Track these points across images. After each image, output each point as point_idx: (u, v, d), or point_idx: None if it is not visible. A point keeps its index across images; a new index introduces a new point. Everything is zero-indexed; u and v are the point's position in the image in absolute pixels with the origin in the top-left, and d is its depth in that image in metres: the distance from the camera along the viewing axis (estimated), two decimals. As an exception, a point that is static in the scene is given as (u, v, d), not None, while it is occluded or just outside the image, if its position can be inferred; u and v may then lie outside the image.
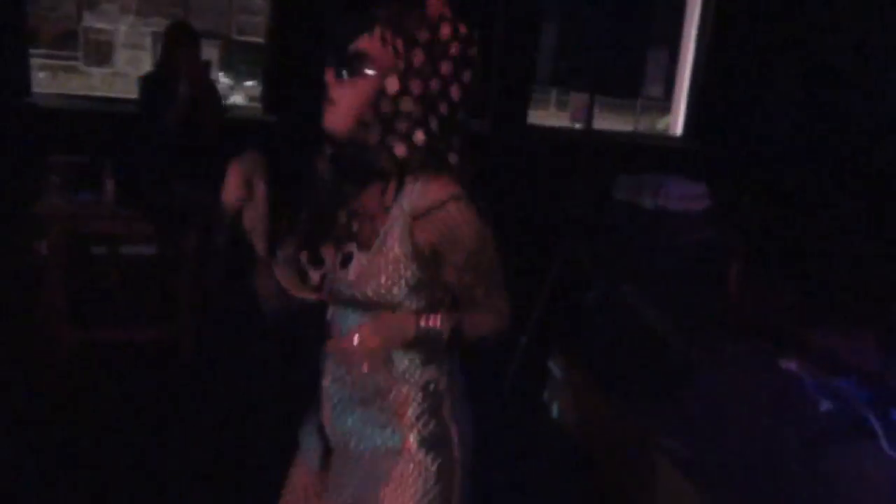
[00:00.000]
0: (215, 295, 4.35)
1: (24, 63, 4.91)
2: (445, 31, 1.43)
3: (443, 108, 1.43)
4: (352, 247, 1.50)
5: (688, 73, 6.81)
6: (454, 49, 1.44)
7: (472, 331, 1.53)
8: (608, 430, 3.20)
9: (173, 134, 4.03)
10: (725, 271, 4.01)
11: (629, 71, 3.70)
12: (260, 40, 5.44)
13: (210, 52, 5.83)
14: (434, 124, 1.43)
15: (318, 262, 1.54)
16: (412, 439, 1.53)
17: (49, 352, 3.75)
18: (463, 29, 1.46)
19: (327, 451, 1.65)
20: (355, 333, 1.47)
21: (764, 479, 2.73)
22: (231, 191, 1.48)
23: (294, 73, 5.31)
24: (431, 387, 1.56)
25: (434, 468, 1.53)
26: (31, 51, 5.11)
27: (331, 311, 1.60)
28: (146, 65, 4.72)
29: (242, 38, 5.63)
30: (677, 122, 6.96)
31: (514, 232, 5.10)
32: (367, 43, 1.44)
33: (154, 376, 3.77)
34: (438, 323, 1.48)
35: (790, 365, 3.72)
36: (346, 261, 1.51)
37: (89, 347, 3.85)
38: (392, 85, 1.42)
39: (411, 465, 1.53)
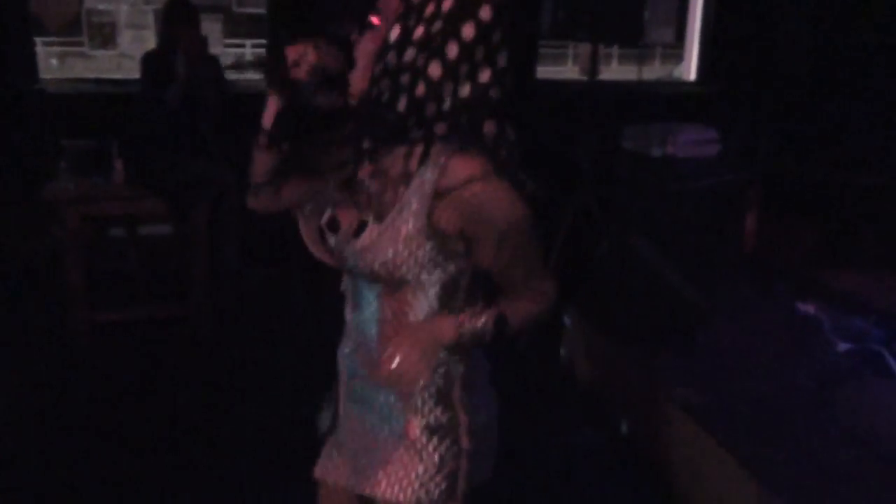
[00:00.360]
0: (231, 271, 4.41)
1: (30, 50, 4.94)
2: None
3: (450, 52, 1.27)
4: (368, 214, 1.40)
5: (699, 15, 6.67)
6: None
7: (518, 320, 1.44)
8: (621, 382, 3.20)
9: (177, 111, 4.05)
10: (740, 216, 3.96)
11: (629, 18, 3.63)
12: (261, 11, 5.41)
13: (213, 25, 5.83)
14: (436, 72, 1.28)
15: (334, 225, 1.45)
16: (415, 425, 1.46)
17: (68, 333, 3.83)
18: None
19: (336, 416, 1.62)
20: (394, 356, 1.41)
21: (778, 421, 2.72)
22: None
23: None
24: (442, 370, 1.46)
25: (436, 456, 1.45)
26: (38, 38, 5.14)
27: (345, 281, 1.53)
28: (150, 44, 4.73)
29: (243, 10, 5.59)
30: (690, 67, 6.84)
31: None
32: None
33: (171, 354, 3.83)
34: (480, 323, 1.40)
35: (808, 308, 3.68)
36: (360, 229, 1.40)
37: (107, 327, 3.92)
38: (394, 32, 1.30)
39: (412, 452, 1.46)
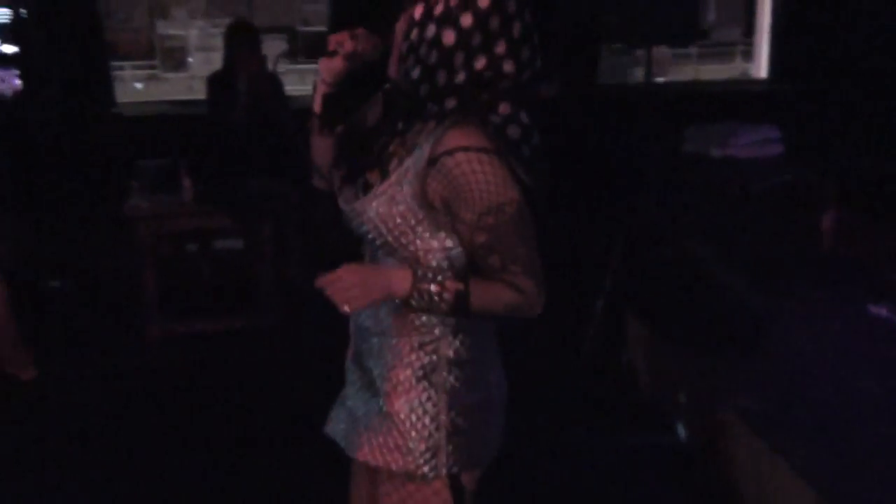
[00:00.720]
0: (299, 283, 4.52)
1: (106, 75, 5.20)
2: None
3: (465, 21, 1.32)
4: (376, 177, 1.42)
5: (768, 12, 6.50)
6: None
7: (485, 302, 1.37)
8: (679, 387, 3.15)
9: (240, 129, 4.19)
10: (810, 215, 3.83)
11: (682, 19, 3.57)
12: (324, 29, 5.56)
13: (278, 45, 6.00)
14: (450, 39, 1.33)
15: (350, 178, 1.49)
16: (395, 399, 1.47)
17: (142, 343, 4.01)
18: None
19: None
20: (340, 275, 1.34)
21: (840, 429, 2.62)
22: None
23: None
24: (430, 348, 1.46)
25: (414, 432, 1.46)
26: (113, 63, 5.40)
27: (364, 249, 1.53)
28: (219, 66, 4.89)
29: (307, 29, 5.74)
30: (760, 65, 6.67)
31: (586, 194, 5.08)
32: None
33: (238, 364, 3.95)
34: (437, 289, 1.33)
35: (880, 310, 3.54)
36: (366, 189, 1.43)
37: (179, 338, 4.08)
38: (418, 10, 1.37)
39: (392, 425, 1.47)
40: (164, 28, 5.58)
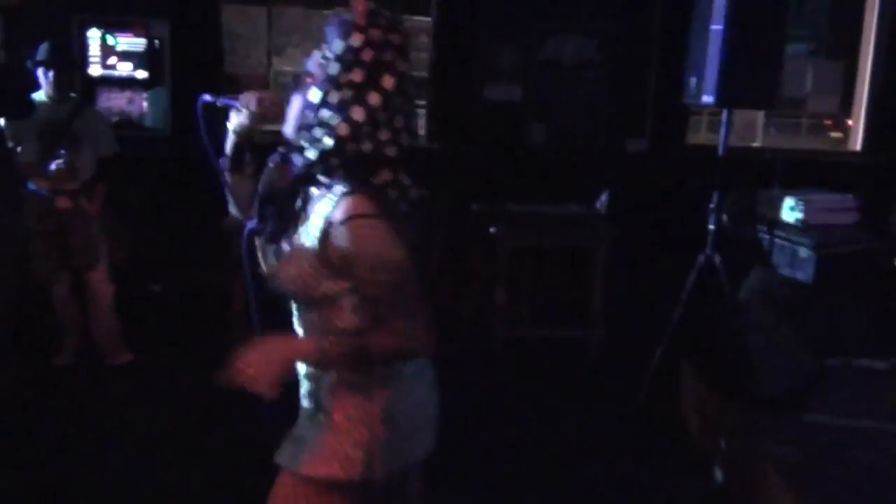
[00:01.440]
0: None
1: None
2: (357, 38, 1.51)
3: (356, 115, 1.50)
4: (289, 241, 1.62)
5: (866, 85, 6.47)
6: (367, 55, 1.50)
7: (379, 351, 1.57)
8: (721, 434, 3.22)
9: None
10: (879, 286, 3.84)
11: (762, 83, 3.68)
12: (424, 74, 5.89)
13: (381, 87, 6.36)
14: (344, 131, 1.50)
15: (272, 241, 1.68)
16: (338, 415, 1.64)
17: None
18: (377, 34, 1.51)
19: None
20: (248, 362, 1.56)
21: (880, 493, 2.65)
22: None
23: (454, 104, 5.72)
24: (357, 381, 1.64)
25: (353, 439, 1.61)
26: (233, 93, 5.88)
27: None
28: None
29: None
30: (857, 137, 6.62)
31: (659, 244, 5.18)
32: (314, 58, 1.59)
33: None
34: (325, 346, 1.56)
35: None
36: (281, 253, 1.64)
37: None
38: (313, 96, 1.54)
39: (336, 435, 1.63)
40: (280, 65, 6.03)
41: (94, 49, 5.27)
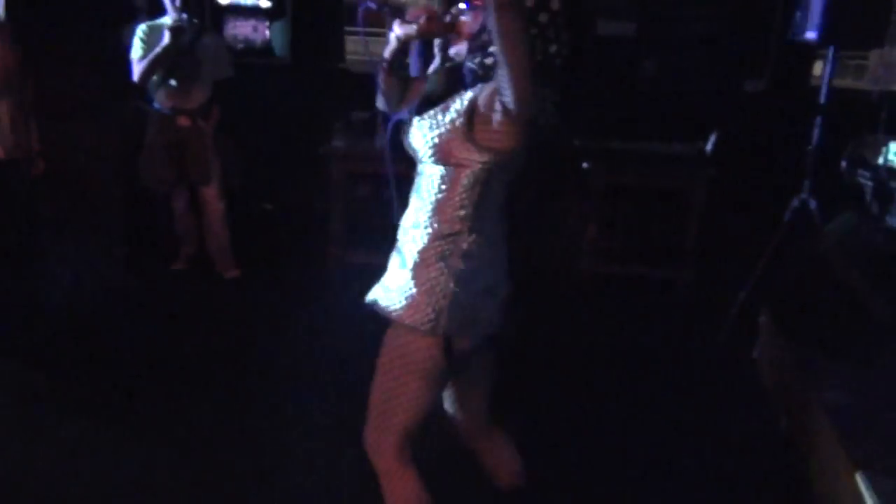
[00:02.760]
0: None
1: (340, 36, 5.88)
2: None
3: (531, 31, 1.75)
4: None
5: None
6: None
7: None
8: (787, 380, 3.18)
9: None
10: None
11: (868, 20, 3.47)
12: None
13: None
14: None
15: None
16: (418, 273, 1.88)
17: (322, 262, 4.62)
18: None
19: None
20: None
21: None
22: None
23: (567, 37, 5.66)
24: (450, 238, 1.86)
25: (425, 298, 1.86)
26: (349, 28, 6.09)
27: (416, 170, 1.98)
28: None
29: None
30: None
31: (766, 187, 5.00)
32: None
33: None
34: None
35: None
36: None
37: (358, 267, 4.65)
38: (489, 18, 1.74)
39: (411, 289, 1.88)
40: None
41: (223, -22, 5.58)
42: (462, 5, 1.89)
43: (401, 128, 2.02)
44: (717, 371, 3.74)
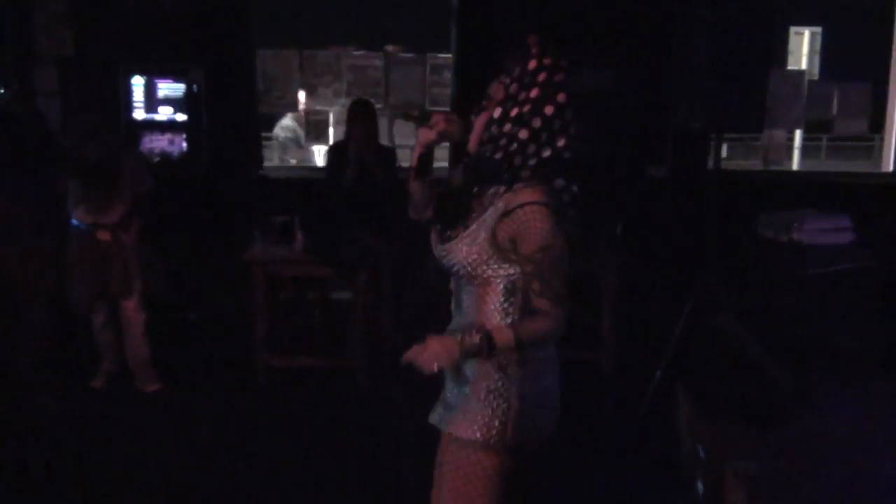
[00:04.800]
0: (386, 331, 5.00)
1: (257, 144, 6.03)
2: (532, 64, 1.89)
3: (535, 123, 1.86)
4: (462, 228, 1.96)
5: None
6: (541, 77, 1.87)
7: (526, 334, 1.87)
8: (701, 447, 3.29)
9: (349, 191, 4.78)
10: (871, 305, 3.84)
11: (748, 105, 3.78)
12: (447, 109, 6.13)
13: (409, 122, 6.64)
14: (524, 135, 1.86)
15: (443, 235, 2.02)
16: (480, 387, 1.96)
17: (250, 372, 4.61)
18: (548, 60, 1.89)
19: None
20: (420, 352, 1.88)
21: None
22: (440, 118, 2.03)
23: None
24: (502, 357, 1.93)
25: (489, 411, 1.94)
26: (266, 134, 6.25)
27: (452, 281, 2.08)
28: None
29: (435, 109, 6.36)
30: (888, 158, 6.55)
31: (677, 267, 5.24)
32: (492, 86, 1.97)
33: (331, 398, 4.47)
34: (477, 339, 1.84)
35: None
36: (456, 235, 1.97)
37: (282, 371, 4.65)
38: (497, 112, 1.91)
39: (477, 405, 1.95)
40: (311, 104, 6.37)
41: (138, 95, 5.68)
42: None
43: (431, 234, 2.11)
44: (637, 442, 3.85)
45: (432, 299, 4.98)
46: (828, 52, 9.60)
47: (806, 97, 6.14)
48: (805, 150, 10.24)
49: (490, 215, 1.90)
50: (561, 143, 1.89)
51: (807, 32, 9.88)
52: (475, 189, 1.96)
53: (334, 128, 6.56)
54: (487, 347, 1.85)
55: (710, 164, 5.42)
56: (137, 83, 5.67)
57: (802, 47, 9.81)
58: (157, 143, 5.78)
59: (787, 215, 4.08)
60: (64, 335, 4.62)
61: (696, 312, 4.02)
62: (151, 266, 4.68)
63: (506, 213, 1.85)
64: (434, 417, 2.08)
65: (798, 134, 9.06)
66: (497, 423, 1.93)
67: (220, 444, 3.93)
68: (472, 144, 1.98)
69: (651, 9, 5.77)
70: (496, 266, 1.90)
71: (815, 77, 8.99)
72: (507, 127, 1.88)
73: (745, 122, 3.89)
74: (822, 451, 3.08)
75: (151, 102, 5.70)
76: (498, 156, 1.89)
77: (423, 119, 2.08)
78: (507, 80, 1.90)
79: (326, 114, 6.53)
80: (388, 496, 3.41)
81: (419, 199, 2.16)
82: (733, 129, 4.24)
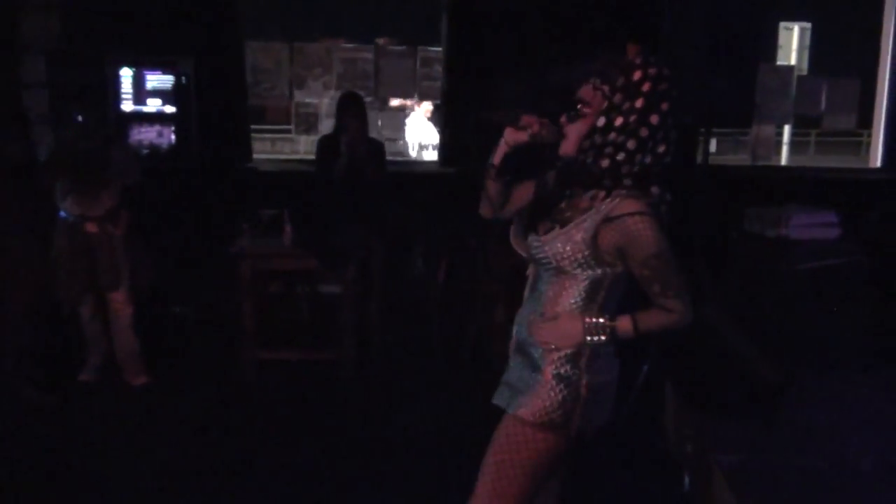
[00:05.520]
0: (377, 323, 5.01)
1: (246, 137, 6.02)
2: (637, 74, 1.92)
3: (643, 133, 1.91)
4: (556, 225, 2.03)
5: (885, 102, 6.44)
6: (646, 87, 1.91)
7: (646, 325, 2.01)
8: (688, 442, 3.31)
9: (339, 186, 4.77)
10: (861, 298, 3.87)
11: (738, 100, 3.79)
12: (437, 102, 6.14)
13: (398, 114, 6.65)
14: (633, 146, 1.91)
15: (533, 230, 2.11)
16: (550, 373, 2.04)
17: (238, 365, 4.60)
18: (652, 70, 1.92)
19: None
20: (545, 329, 2.04)
21: (825, 498, 2.72)
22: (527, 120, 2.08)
23: (466, 129, 5.94)
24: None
25: (560, 397, 2.02)
26: (256, 126, 6.24)
27: (530, 268, 2.17)
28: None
29: (426, 102, 6.36)
30: (876, 154, 6.59)
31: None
32: (584, 91, 1.99)
33: (319, 390, 4.47)
34: (607, 324, 1.99)
35: (923, 396, 3.53)
36: (548, 230, 2.05)
37: (271, 364, 4.64)
38: (601, 121, 1.95)
39: (545, 390, 2.03)
40: (301, 97, 6.35)
41: (126, 86, 5.66)
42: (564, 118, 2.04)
43: (510, 228, 2.21)
44: (625, 438, 3.85)
45: (421, 293, 5.04)
46: (817, 48, 9.66)
47: (795, 92, 6.17)
48: (793, 146, 10.29)
49: (590, 219, 1.96)
50: (662, 149, 1.96)
51: (796, 28, 9.95)
52: (568, 192, 2.05)
53: (325, 121, 6.55)
54: (611, 335, 2.00)
55: (700, 158, 5.50)
56: (126, 75, 5.65)
57: (792, 43, 9.88)
58: (145, 135, 5.76)
59: (774, 210, 4.10)
60: (51, 328, 4.60)
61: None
62: (139, 259, 4.65)
63: (608, 220, 1.93)
64: (500, 399, 2.14)
65: (787, 129, 9.14)
66: (562, 410, 2.02)
67: (208, 437, 3.92)
68: (570, 150, 2.02)
69: (641, 3, 5.78)
70: (586, 265, 1.98)
71: (805, 72, 9.05)
72: (612, 136, 1.93)
73: (734, 117, 3.91)
74: (807, 444, 3.11)
75: (140, 94, 5.68)
76: (605, 164, 1.94)
77: (511, 119, 2.11)
78: (607, 88, 1.94)
79: (315, 106, 6.53)
80: (377, 489, 3.41)
81: (496, 198, 2.23)
82: (722, 123, 4.25)
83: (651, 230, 1.91)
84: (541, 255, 2.06)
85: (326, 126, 6.14)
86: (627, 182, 1.94)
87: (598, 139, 1.95)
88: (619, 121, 1.92)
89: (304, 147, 7.19)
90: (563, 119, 2.02)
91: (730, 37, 3.81)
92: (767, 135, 6.50)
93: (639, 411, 3.99)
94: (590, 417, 2.06)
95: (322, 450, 3.76)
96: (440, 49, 6.11)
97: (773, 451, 3.02)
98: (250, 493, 3.39)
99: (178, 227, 5.42)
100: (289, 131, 6.64)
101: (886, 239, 4.16)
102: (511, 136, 2.12)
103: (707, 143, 3.99)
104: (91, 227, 4.36)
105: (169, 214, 5.44)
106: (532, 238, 2.10)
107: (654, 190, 1.96)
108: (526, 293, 2.18)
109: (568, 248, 1.98)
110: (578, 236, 1.97)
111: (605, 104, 1.94)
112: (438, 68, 6.18)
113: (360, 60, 6.23)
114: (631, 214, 1.91)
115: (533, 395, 2.04)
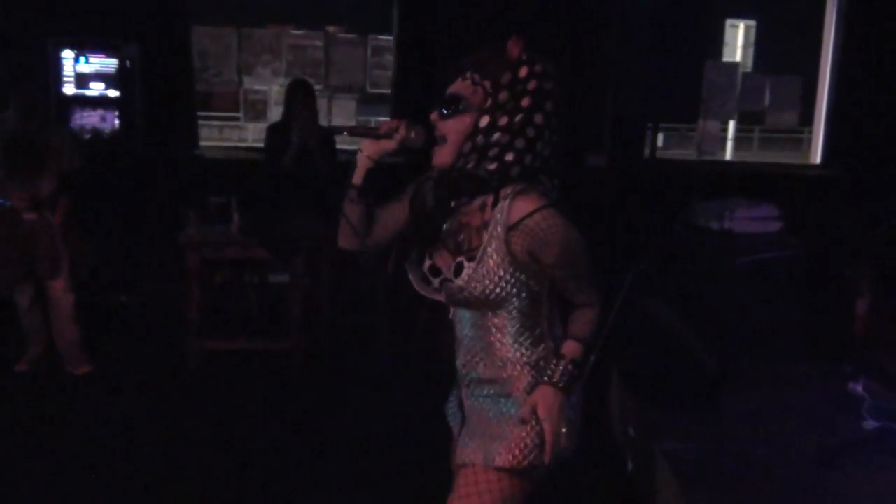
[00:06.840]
0: (327, 312, 4.98)
1: (193, 123, 5.91)
2: (523, 71, 1.74)
3: (529, 133, 1.74)
4: (461, 258, 1.80)
5: (825, 100, 6.62)
6: (532, 85, 1.74)
7: (584, 332, 1.85)
8: (630, 426, 3.37)
9: (289, 174, 4.73)
10: (797, 292, 3.98)
11: (684, 96, 3.86)
12: (387, 91, 6.11)
13: (349, 103, 6.61)
14: (521, 145, 1.73)
15: (435, 271, 1.86)
16: (525, 412, 1.81)
17: (182, 357, 4.53)
18: (539, 68, 1.75)
19: (464, 420, 1.97)
20: (553, 434, 1.79)
21: (762, 485, 2.79)
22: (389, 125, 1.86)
23: (415, 117, 5.91)
24: (541, 363, 1.83)
25: (536, 433, 1.81)
26: (203, 113, 6.13)
27: (451, 311, 1.92)
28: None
29: (376, 91, 6.32)
30: (817, 150, 6.77)
31: (605, 255, 5.34)
32: (461, 87, 1.77)
33: (267, 381, 4.43)
34: (567, 363, 1.80)
35: (857, 387, 3.65)
36: (458, 270, 1.79)
37: (216, 355, 4.58)
38: (484, 120, 1.74)
39: (526, 430, 1.81)
40: (250, 84, 6.26)
41: (68, 69, 5.51)
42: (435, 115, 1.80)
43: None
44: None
45: (369, 283, 5.01)
46: (761, 45, 9.86)
47: (739, 89, 6.30)
48: (738, 141, 10.50)
49: (494, 240, 1.77)
50: (548, 152, 1.77)
51: (742, 25, 10.14)
52: (451, 204, 1.83)
53: (274, 108, 6.47)
54: (575, 370, 1.82)
55: (647, 152, 5.58)
56: (67, 57, 5.50)
57: (737, 40, 10.07)
58: (88, 120, 5.62)
59: (718, 204, 4.19)
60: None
61: (629, 298, 4.10)
62: (79, 246, 4.54)
63: (510, 229, 1.74)
64: (474, 457, 1.89)
65: (731, 125, 9.32)
66: (537, 444, 1.82)
67: (151, 427, 3.85)
68: (449, 154, 1.77)
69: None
70: (521, 285, 1.79)
71: (749, 69, 9.24)
72: (497, 136, 1.74)
73: (680, 112, 3.97)
74: (747, 430, 3.20)
75: (82, 77, 5.54)
76: (492, 166, 1.74)
77: (368, 132, 1.89)
78: (489, 85, 1.75)
79: (265, 94, 6.44)
80: (323, 479, 3.40)
81: (358, 224, 1.93)
82: (669, 118, 4.31)
83: (554, 225, 1.73)
84: (465, 297, 1.81)
85: (276, 114, 6.05)
86: (514, 182, 1.75)
87: (480, 140, 1.75)
88: (503, 120, 1.74)
89: (252, 135, 7.05)
90: (433, 116, 1.78)
91: (677, 33, 3.87)
92: (713, 130, 6.63)
93: (585, 398, 4.09)
94: (575, 439, 1.91)
95: (268, 441, 3.73)
96: (391, 38, 6.08)
97: (713, 437, 3.09)
98: (193, 484, 3.34)
99: (122, 214, 5.30)
100: (237, 118, 6.51)
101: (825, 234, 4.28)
102: (372, 149, 1.88)
103: (654, 138, 4.04)
104: (29, 214, 4.25)
105: (113, 201, 5.32)
106: (448, 285, 1.83)
107: (543, 178, 1.79)
108: (458, 334, 1.92)
109: (494, 277, 1.77)
110: (494, 259, 1.76)
111: (489, 102, 1.75)
112: (389, 57, 6.15)
113: (310, 48, 6.17)
114: (529, 215, 1.73)
115: (510, 438, 1.83)
